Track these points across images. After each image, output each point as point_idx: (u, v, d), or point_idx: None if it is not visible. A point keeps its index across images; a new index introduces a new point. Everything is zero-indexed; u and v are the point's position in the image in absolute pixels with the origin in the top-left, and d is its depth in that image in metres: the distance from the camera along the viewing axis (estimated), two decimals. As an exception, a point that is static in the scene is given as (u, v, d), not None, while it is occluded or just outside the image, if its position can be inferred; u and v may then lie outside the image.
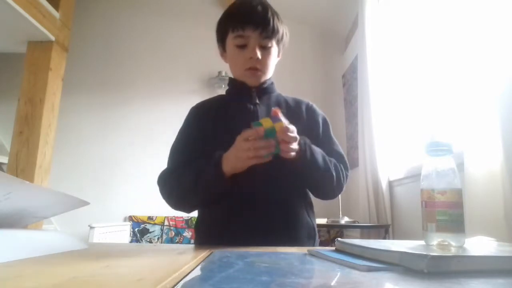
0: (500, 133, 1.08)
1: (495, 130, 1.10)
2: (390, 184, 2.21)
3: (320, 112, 1.02)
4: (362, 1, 2.51)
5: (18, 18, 2.09)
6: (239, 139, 0.76)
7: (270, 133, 0.73)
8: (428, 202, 0.56)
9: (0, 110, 3.28)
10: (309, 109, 1.00)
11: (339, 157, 0.94)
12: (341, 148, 0.98)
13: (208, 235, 0.90)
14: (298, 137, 0.77)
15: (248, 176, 0.79)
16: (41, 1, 2.24)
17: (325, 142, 0.96)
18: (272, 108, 0.77)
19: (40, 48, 2.36)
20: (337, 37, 3.50)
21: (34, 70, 2.33)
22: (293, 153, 0.77)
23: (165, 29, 3.58)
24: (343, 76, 3.35)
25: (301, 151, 0.80)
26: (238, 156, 0.76)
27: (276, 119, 0.74)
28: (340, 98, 3.35)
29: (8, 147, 2.83)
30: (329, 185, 0.88)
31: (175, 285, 0.33)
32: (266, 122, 0.73)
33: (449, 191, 0.55)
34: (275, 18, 0.91)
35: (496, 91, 1.12)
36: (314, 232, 0.91)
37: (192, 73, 3.43)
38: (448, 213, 0.54)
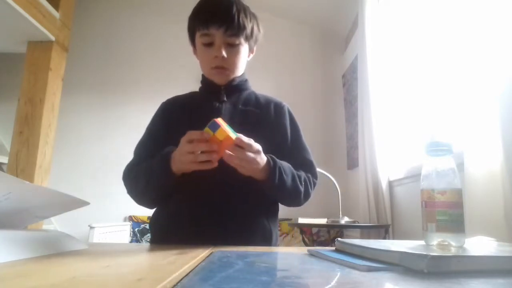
0: (500, 133, 1.08)
1: (495, 130, 1.10)
2: (390, 184, 2.21)
3: (289, 115, 0.99)
4: (362, 1, 2.51)
5: (18, 18, 2.09)
6: (183, 141, 0.73)
7: (214, 127, 0.70)
8: (428, 202, 0.56)
9: (0, 110, 3.28)
10: (279, 110, 0.98)
11: (307, 166, 0.93)
12: (311, 154, 0.97)
13: (161, 233, 0.90)
14: (252, 150, 0.74)
15: (200, 176, 0.78)
16: (41, 1, 2.24)
17: (294, 149, 0.94)
18: (214, 119, 0.73)
19: (40, 48, 2.36)
20: (337, 37, 3.50)
21: (34, 70, 2.33)
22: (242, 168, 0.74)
23: (165, 29, 3.58)
24: (343, 76, 3.35)
25: (270, 174, 0.78)
26: (180, 160, 0.74)
27: (215, 126, 0.69)
28: (340, 98, 3.35)
29: (8, 147, 2.83)
30: (296, 200, 0.88)
31: (175, 285, 0.33)
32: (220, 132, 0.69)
33: (449, 191, 0.55)
34: (241, 14, 0.88)
35: (496, 91, 1.12)
36: (270, 235, 0.89)
37: (192, 73, 3.40)
38: (448, 213, 0.54)
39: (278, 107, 0.98)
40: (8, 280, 0.35)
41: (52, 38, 2.36)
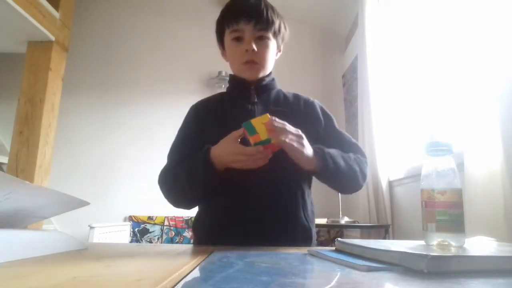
0: (500, 133, 1.08)
1: (495, 130, 1.10)
2: (390, 184, 2.21)
3: (320, 107, 1.00)
4: (362, 1, 2.51)
5: (18, 18, 2.09)
6: (235, 149, 0.75)
7: (263, 142, 0.72)
8: (428, 202, 0.56)
9: (0, 110, 3.28)
10: (309, 105, 0.99)
11: (354, 147, 0.93)
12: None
13: (205, 235, 0.90)
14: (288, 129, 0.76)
15: (244, 177, 0.79)
16: (41, 1, 2.24)
17: (335, 137, 0.95)
18: (268, 114, 0.75)
19: (40, 48, 2.36)
20: (337, 37, 3.50)
21: (34, 70, 2.33)
22: (296, 147, 0.75)
23: (165, 29, 3.58)
24: (343, 76, 3.35)
25: (322, 161, 0.79)
26: (229, 160, 0.76)
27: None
28: (340, 98, 3.35)
29: (8, 147, 2.83)
30: (354, 181, 0.88)
31: (175, 285, 0.33)
32: (259, 128, 0.72)
33: (449, 191, 0.55)
34: (269, 10, 0.91)
35: (496, 91, 1.12)
36: (311, 234, 0.89)
37: (192, 73, 3.43)
38: (448, 213, 0.54)
39: (308, 103, 0.99)
40: (8, 280, 0.35)
41: (52, 38, 2.36)
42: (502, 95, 1.10)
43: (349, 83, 3.13)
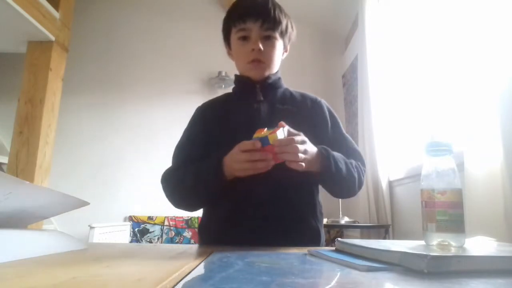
0: (500, 133, 1.08)
1: (495, 130, 1.10)
2: (390, 184, 2.21)
3: (327, 108, 0.99)
4: (362, 1, 2.51)
5: (18, 18, 2.09)
6: (236, 150, 0.74)
7: (264, 142, 0.71)
8: (428, 202, 0.56)
9: (0, 110, 3.28)
10: (316, 104, 0.97)
11: (355, 154, 0.93)
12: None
13: (210, 236, 0.90)
14: (300, 147, 0.73)
15: (251, 179, 0.78)
16: (41, 1, 2.24)
17: (339, 141, 0.94)
18: (280, 122, 0.75)
19: (40, 48, 2.36)
20: (337, 37, 3.50)
21: (34, 70, 2.33)
22: (300, 164, 0.72)
23: (165, 29, 3.58)
24: (343, 76, 3.35)
25: (325, 164, 0.78)
26: (235, 168, 0.75)
27: (265, 141, 0.71)
28: (340, 98, 3.35)
29: (8, 147, 2.83)
30: (351, 188, 0.87)
31: (175, 285, 0.33)
32: (261, 133, 0.72)
33: (449, 191, 0.55)
34: (277, 9, 0.91)
35: (496, 91, 1.12)
36: (319, 236, 0.89)
37: (192, 73, 3.43)
38: (448, 213, 0.54)
39: (315, 102, 0.98)
40: (8, 280, 0.35)
41: (52, 38, 2.36)
42: (502, 95, 1.10)
43: (349, 83, 3.13)
